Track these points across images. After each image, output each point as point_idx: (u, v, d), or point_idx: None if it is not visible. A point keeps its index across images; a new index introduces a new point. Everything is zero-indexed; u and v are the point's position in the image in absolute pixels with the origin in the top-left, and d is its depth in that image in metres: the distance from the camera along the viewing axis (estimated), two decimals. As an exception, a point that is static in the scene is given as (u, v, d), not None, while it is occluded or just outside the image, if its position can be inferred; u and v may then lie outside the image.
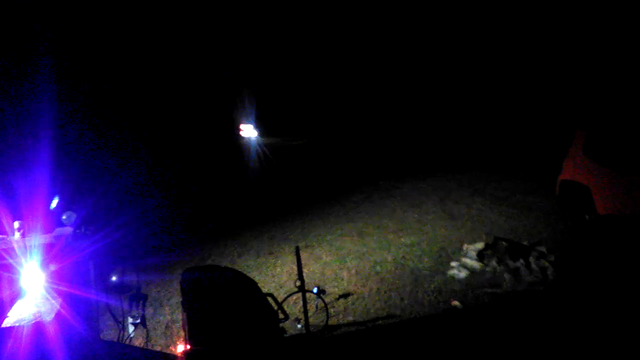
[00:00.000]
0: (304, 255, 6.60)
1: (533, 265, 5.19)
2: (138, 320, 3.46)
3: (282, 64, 30.54)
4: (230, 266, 6.23)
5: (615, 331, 3.77)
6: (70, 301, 2.82)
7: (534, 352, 3.62)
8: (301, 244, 7.22)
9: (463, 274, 5.25)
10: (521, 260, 5.33)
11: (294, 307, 4.84)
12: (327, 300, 4.91)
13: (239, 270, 4.72)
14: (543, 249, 5.69)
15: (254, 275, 5.98)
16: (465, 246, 6.04)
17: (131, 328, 3.51)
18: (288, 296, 4.57)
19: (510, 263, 5.32)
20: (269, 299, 3.41)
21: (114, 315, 3.57)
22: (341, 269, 5.94)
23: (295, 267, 4.26)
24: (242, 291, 2.89)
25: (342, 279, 5.57)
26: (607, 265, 5.12)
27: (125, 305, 3.56)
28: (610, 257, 5.31)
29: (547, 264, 5.20)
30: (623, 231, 5.33)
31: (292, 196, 12.22)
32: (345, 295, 5.08)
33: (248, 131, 27.53)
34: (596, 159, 6.05)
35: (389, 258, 6.16)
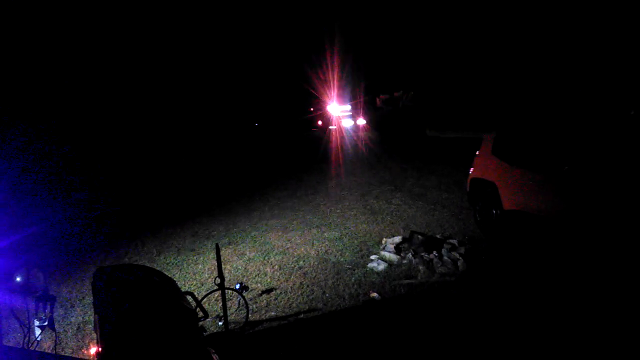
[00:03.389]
0: (227, 252, 6.54)
1: (445, 257, 5.53)
2: (45, 323, 3.26)
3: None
4: (148, 265, 6.03)
5: (518, 314, 4.14)
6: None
7: (445, 339, 3.87)
8: (225, 241, 7.14)
9: (382, 266, 5.48)
10: (434, 253, 5.66)
11: (215, 304, 4.80)
12: (249, 296, 4.92)
13: (157, 268, 4.60)
14: (454, 241, 6.08)
15: (174, 273, 5.83)
16: (384, 240, 6.31)
17: (38, 331, 3.30)
18: (207, 294, 4.52)
19: (425, 255, 5.63)
20: (189, 297, 3.36)
21: (18, 319, 3.34)
22: (264, 264, 5.96)
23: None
24: (158, 290, 2.83)
25: (266, 275, 5.60)
26: (511, 256, 5.59)
27: (32, 307, 3.33)
28: (514, 248, 5.80)
29: (458, 255, 5.56)
30: (525, 224, 5.81)
31: (216, 191, 12.03)
32: (268, 291, 5.11)
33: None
34: (502, 158, 6.54)
35: (312, 253, 6.27)
